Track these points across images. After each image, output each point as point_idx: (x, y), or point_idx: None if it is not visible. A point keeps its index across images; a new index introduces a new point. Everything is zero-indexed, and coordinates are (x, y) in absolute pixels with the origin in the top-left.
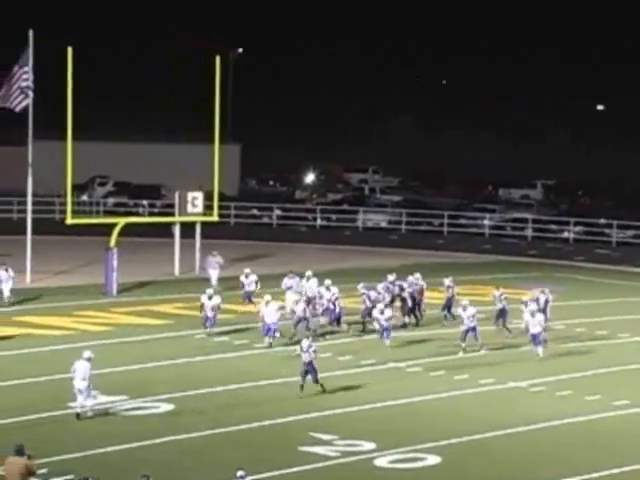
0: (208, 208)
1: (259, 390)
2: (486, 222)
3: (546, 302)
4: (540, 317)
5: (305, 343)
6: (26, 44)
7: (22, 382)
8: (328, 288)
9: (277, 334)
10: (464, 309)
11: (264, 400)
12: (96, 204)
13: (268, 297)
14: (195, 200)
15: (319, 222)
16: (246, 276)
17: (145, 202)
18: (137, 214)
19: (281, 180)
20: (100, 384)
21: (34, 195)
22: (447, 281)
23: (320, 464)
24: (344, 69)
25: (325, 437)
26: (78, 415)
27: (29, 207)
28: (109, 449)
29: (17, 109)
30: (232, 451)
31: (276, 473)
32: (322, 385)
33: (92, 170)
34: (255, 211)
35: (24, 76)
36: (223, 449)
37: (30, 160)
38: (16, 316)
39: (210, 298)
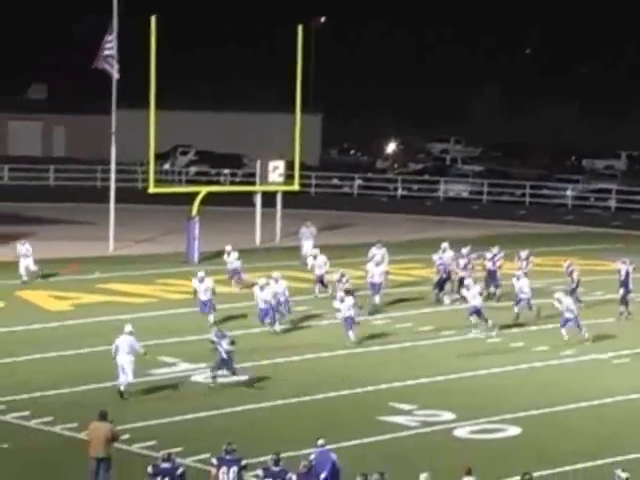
0: (289, 177)
1: (337, 360)
2: (569, 193)
3: (627, 274)
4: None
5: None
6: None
7: (106, 349)
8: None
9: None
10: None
11: (342, 370)
12: (178, 173)
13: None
14: (276, 169)
15: (400, 192)
16: (228, 254)
17: (227, 171)
18: (218, 183)
19: (362, 150)
20: (181, 352)
21: (117, 164)
22: (523, 254)
23: (399, 434)
24: (428, 38)
25: (404, 407)
26: (122, 394)
27: (112, 175)
28: (189, 416)
29: (116, 75)
30: (311, 420)
31: (355, 442)
32: None
33: (174, 139)
34: (336, 181)
35: (107, 45)
36: (310, 418)
37: (114, 129)
38: (99, 283)
39: (201, 281)
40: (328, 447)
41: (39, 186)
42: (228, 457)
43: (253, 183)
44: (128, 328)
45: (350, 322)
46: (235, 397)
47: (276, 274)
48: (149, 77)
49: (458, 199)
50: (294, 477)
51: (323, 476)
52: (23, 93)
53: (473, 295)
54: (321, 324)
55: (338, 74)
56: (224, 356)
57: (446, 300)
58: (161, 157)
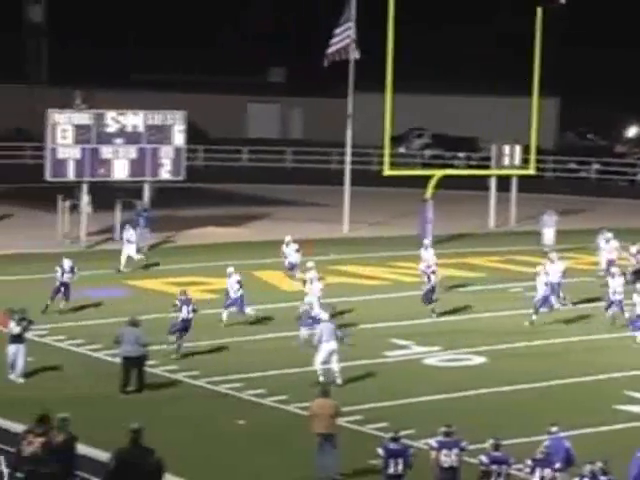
0: (525, 161)
1: (568, 345)
2: None
3: None
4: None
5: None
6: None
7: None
8: None
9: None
10: None
11: (573, 355)
12: (412, 156)
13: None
14: (512, 153)
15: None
16: (287, 245)
17: (461, 154)
18: (453, 166)
19: (601, 133)
20: (414, 334)
21: (353, 146)
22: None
23: (636, 423)
24: None
25: None
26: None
27: (348, 158)
28: (422, 399)
29: (326, 61)
30: (543, 406)
31: (589, 430)
32: None
33: (410, 122)
34: (573, 165)
35: (347, 32)
36: (533, 404)
37: (350, 111)
38: (333, 265)
39: (230, 276)
40: (562, 435)
41: (276, 168)
42: (448, 439)
43: (488, 167)
44: (326, 315)
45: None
46: (466, 381)
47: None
48: (386, 60)
49: None
50: (529, 462)
51: (557, 465)
52: (262, 76)
53: None
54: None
55: (577, 56)
56: (179, 321)
57: None
58: (396, 140)
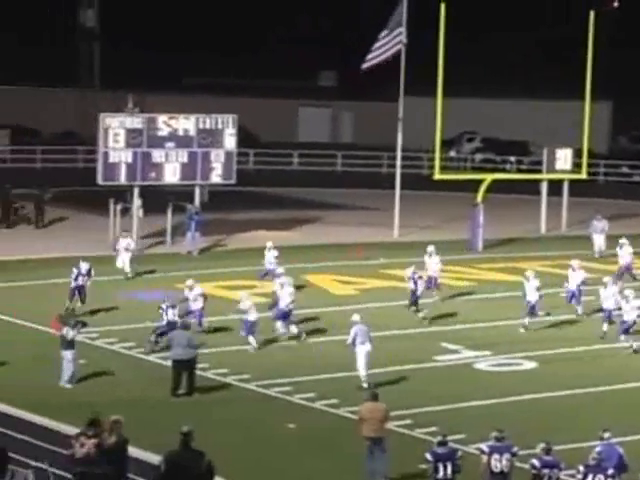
0: (576, 165)
1: (619, 351)
2: None
3: None
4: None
5: None
6: (396, 8)
7: (389, 333)
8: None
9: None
10: None
11: (623, 360)
12: (463, 160)
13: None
14: (564, 157)
15: None
16: (269, 250)
17: (512, 158)
18: (504, 170)
19: None
20: (463, 339)
21: (403, 150)
22: None
23: None
24: None
25: None
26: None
27: (398, 162)
28: (472, 403)
29: (364, 66)
30: (595, 412)
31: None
32: None
33: (460, 126)
34: (625, 169)
35: (387, 38)
36: (585, 409)
37: (400, 115)
38: (383, 269)
39: (191, 289)
40: (614, 441)
41: (326, 172)
42: (499, 444)
43: (539, 171)
44: (357, 317)
45: None
46: (517, 385)
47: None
48: (437, 64)
49: None
50: (581, 468)
51: (610, 471)
52: (313, 80)
53: None
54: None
55: (630, 59)
56: (163, 323)
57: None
58: (447, 144)
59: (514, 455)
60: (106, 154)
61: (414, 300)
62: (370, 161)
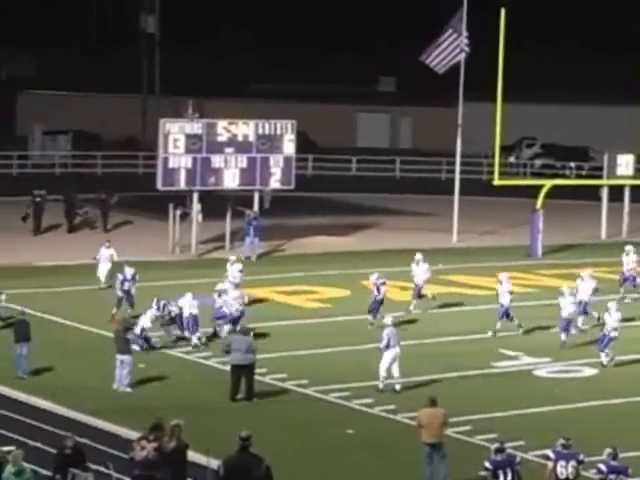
0: (638, 171)
1: None
2: None
3: None
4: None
5: None
6: (458, 9)
7: (447, 339)
8: None
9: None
10: None
11: None
12: (523, 165)
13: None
14: (625, 163)
15: None
16: (232, 264)
17: (572, 164)
18: (564, 176)
19: None
20: (523, 345)
21: (462, 156)
22: None
23: None
24: None
25: None
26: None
27: (457, 167)
28: (532, 410)
29: (440, 71)
30: None
31: None
32: None
33: (520, 131)
34: None
35: (456, 42)
36: None
37: (460, 121)
38: (442, 275)
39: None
40: None
41: (385, 177)
42: (565, 451)
43: (600, 177)
44: (389, 320)
45: None
46: (577, 392)
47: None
48: (496, 70)
49: None
50: (629, 471)
51: None
52: (372, 85)
53: None
54: None
55: None
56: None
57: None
58: (506, 150)
59: (580, 463)
60: (166, 159)
61: (375, 307)
62: (429, 167)
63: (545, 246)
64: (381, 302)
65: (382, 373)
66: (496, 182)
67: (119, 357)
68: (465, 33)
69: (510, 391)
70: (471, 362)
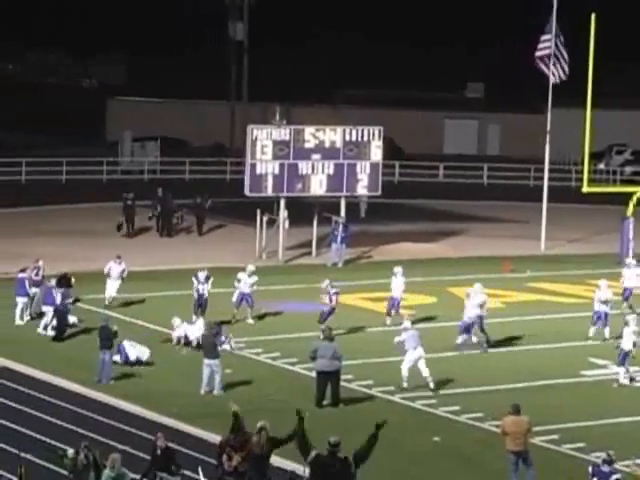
0: None
1: None
2: None
3: None
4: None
5: None
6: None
7: (535, 347)
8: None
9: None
10: None
11: None
12: (613, 172)
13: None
14: None
15: None
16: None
17: None
18: None
19: None
20: (612, 354)
21: (551, 163)
22: None
23: None
24: None
25: None
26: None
27: (546, 174)
28: (621, 419)
29: (558, 80)
30: None
31: None
32: None
33: (610, 138)
34: None
35: (545, 44)
36: None
37: (548, 128)
38: (530, 282)
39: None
40: None
41: (472, 184)
42: (606, 470)
43: None
44: (408, 323)
45: None
46: None
47: None
48: (586, 76)
49: None
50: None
51: None
52: (460, 91)
53: None
54: None
55: None
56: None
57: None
58: (596, 156)
59: None
60: (253, 166)
61: (325, 316)
62: (517, 173)
63: (636, 254)
64: (332, 311)
65: (404, 373)
66: (585, 189)
67: (207, 362)
68: (552, 36)
69: (599, 400)
70: (559, 371)
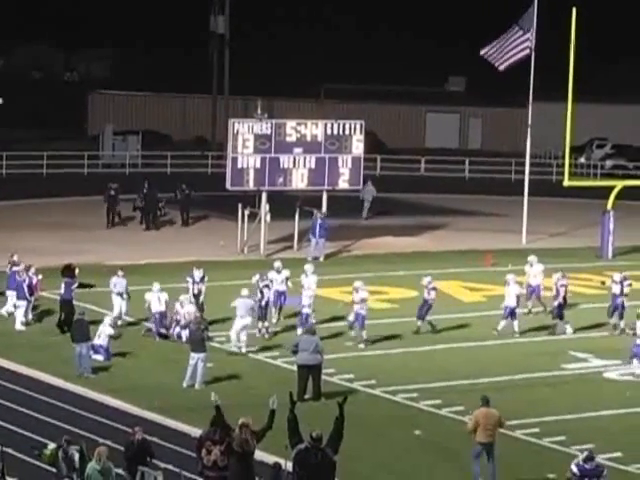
0: None
1: None
2: None
3: None
4: None
5: None
6: (529, 6)
7: (516, 341)
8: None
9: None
10: None
11: None
12: (593, 167)
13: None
14: None
15: None
16: (278, 272)
17: None
18: (635, 177)
19: None
20: (592, 347)
21: (532, 156)
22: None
23: None
24: None
25: None
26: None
27: (527, 168)
28: (602, 413)
29: (500, 67)
30: None
31: None
32: None
33: (590, 132)
34: None
35: (521, 39)
36: None
37: (530, 121)
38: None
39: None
40: None
41: (454, 178)
42: (589, 467)
43: None
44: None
45: None
46: None
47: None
48: (567, 70)
49: None
50: (605, 472)
51: None
52: (441, 85)
53: None
54: None
55: None
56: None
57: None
58: (576, 150)
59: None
60: (235, 159)
61: (262, 312)
62: (498, 167)
63: (616, 248)
64: (266, 305)
65: (233, 337)
66: (566, 183)
67: (194, 355)
68: (533, 31)
69: (580, 393)
70: (540, 364)
